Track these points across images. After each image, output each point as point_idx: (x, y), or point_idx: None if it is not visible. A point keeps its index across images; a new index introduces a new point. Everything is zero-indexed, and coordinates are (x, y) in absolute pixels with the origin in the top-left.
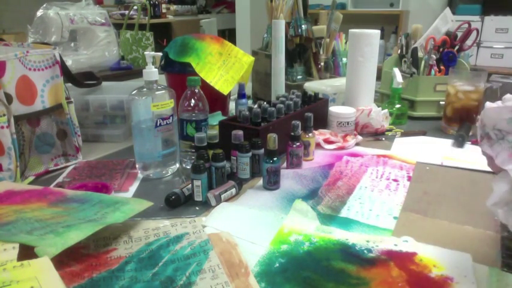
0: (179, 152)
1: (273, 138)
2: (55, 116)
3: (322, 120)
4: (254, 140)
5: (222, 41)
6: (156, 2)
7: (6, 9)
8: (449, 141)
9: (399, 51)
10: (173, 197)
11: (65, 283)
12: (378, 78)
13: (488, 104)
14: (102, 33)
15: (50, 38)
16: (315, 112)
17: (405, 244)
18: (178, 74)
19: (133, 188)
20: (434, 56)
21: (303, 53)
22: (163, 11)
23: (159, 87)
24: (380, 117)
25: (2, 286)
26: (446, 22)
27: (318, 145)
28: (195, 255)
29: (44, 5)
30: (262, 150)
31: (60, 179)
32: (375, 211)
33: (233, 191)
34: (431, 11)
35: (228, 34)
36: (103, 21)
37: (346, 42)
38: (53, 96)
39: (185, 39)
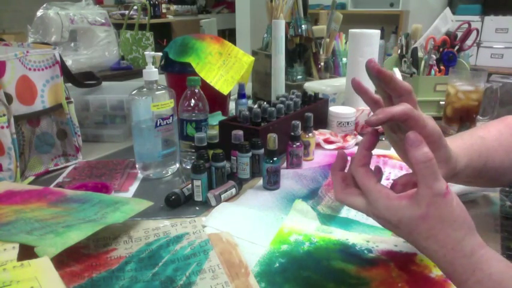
0: (179, 152)
1: (273, 138)
2: (55, 116)
3: (322, 120)
4: (254, 140)
5: (222, 41)
6: (156, 2)
7: (6, 9)
8: None
9: (399, 51)
10: (173, 197)
11: (65, 283)
12: None
13: None
14: (102, 33)
15: (50, 38)
16: (315, 112)
17: (405, 244)
18: (178, 74)
19: (133, 188)
20: (434, 56)
21: (303, 53)
22: (163, 11)
23: (159, 87)
24: None
25: (2, 286)
26: (446, 22)
27: (318, 145)
28: (195, 255)
29: (44, 5)
30: (262, 150)
31: (60, 179)
32: None
33: (233, 191)
34: (431, 11)
35: (228, 34)
36: (103, 21)
37: (346, 42)
38: (53, 96)
39: (185, 39)
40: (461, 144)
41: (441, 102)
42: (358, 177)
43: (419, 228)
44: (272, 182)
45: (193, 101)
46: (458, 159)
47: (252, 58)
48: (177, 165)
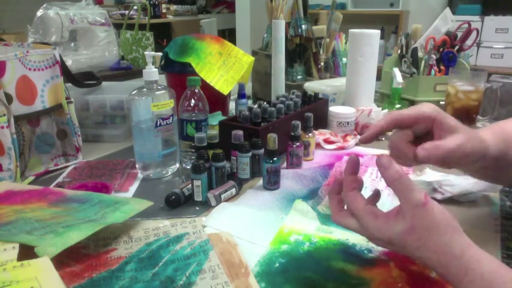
0: (179, 152)
1: (273, 138)
2: (55, 116)
3: (322, 120)
4: (254, 140)
5: (222, 41)
6: (156, 2)
7: (6, 9)
8: None
9: (399, 51)
10: (173, 197)
11: (65, 283)
12: (378, 78)
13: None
14: (102, 33)
15: (50, 38)
16: (315, 112)
17: None
18: (178, 74)
19: (133, 188)
20: (434, 56)
21: (303, 53)
22: (163, 11)
23: (159, 87)
24: (380, 117)
25: (2, 286)
26: (446, 22)
27: (318, 145)
28: (195, 255)
29: (44, 5)
30: (262, 150)
31: (60, 179)
32: None
33: (233, 191)
34: (431, 11)
35: (228, 34)
36: (103, 21)
37: (346, 42)
38: (53, 96)
39: (185, 39)
40: (489, 130)
41: (441, 102)
42: (348, 202)
43: (409, 241)
44: (272, 182)
45: (193, 101)
46: (487, 141)
47: (252, 58)
48: (177, 165)
